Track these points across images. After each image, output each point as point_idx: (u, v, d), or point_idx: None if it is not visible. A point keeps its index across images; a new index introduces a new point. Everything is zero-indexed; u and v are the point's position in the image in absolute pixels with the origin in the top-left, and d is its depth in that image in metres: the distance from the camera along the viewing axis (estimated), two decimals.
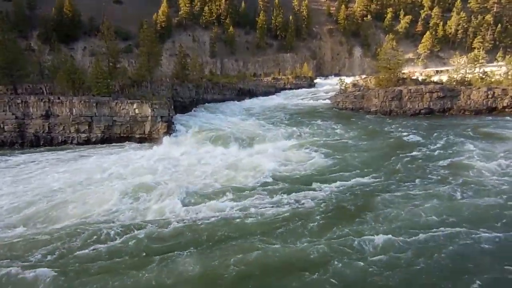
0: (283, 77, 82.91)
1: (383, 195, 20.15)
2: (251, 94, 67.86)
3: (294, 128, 37.58)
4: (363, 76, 70.27)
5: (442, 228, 16.24)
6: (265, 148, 30.92)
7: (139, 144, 35.36)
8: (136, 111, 36.18)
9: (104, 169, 26.38)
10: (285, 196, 20.36)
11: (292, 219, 17.57)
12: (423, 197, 19.69)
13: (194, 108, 51.91)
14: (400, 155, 27.61)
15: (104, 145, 35.37)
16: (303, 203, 19.35)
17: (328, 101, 55.92)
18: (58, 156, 30.95)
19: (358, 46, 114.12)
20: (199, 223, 17.47)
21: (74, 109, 36.01)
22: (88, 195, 21.02)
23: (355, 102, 49.77)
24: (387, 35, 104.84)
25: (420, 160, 26.42)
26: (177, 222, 17.45)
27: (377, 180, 22.67)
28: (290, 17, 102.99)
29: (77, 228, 16.98)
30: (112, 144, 35.62)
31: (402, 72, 55.34)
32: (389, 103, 46.02)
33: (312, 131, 36.47)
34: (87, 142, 36.04)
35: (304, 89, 76.19)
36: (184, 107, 48.95)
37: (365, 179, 22.84)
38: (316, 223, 17.15)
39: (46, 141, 36.39)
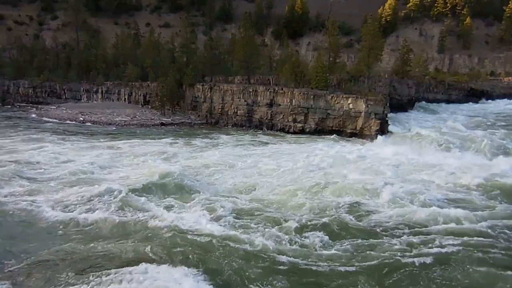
0: None
1: None
2: (485, 95, 57.94)
3: None
4: None
5: None
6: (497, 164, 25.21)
7: (350, 138, 34.88)
8: (350, 106, 35.75)
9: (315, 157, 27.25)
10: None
11: None
12: None
13: (411, 108, 47.86)
14: None
15: (315, 136, 36.42)
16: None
17: None
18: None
19: None
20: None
21: (293, 100, 38.50)
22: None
23: None
24: None
25: None
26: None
27: None
28: None
29: None
30: (323, 136, 36.26)
31: None
32: None
33: None
34: (302, 131, 38.00)
35: None
36: (400, 106, 45.66)
37: None
38: None
39: (268, 127, 40.30)
